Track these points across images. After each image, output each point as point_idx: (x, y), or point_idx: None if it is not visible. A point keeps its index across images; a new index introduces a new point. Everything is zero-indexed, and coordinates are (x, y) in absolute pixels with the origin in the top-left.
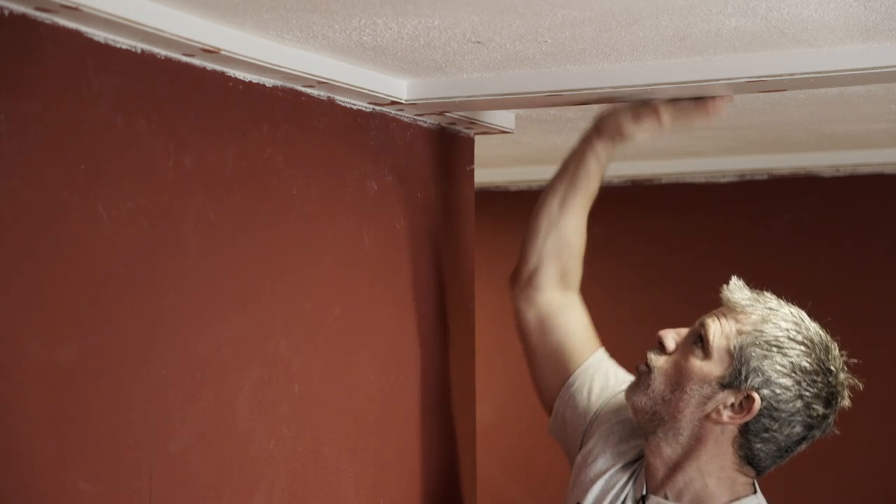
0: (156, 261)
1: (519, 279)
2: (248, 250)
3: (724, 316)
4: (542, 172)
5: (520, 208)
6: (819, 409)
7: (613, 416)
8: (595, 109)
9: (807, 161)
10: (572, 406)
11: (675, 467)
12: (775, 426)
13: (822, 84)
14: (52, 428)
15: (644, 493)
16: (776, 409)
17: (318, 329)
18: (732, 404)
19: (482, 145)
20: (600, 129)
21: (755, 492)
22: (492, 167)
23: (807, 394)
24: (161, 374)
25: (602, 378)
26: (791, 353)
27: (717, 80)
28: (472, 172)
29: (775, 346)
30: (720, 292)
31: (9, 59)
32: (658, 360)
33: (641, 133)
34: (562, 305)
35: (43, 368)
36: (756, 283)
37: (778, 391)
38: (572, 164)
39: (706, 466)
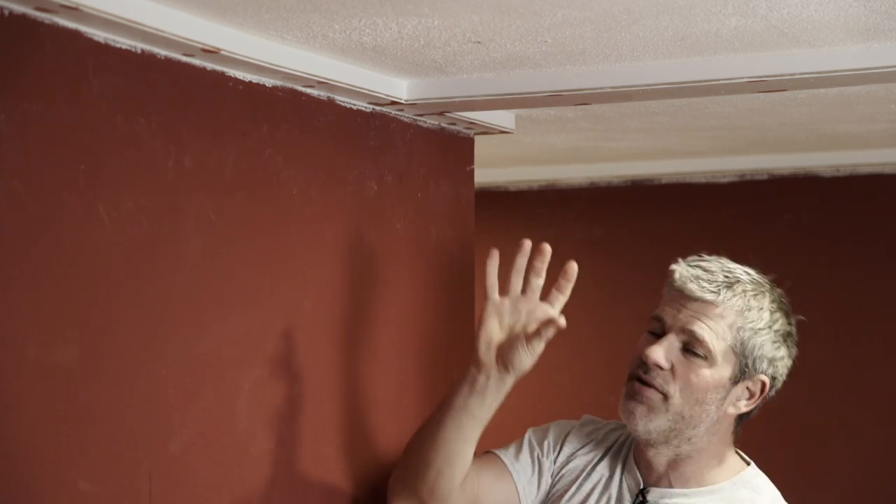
0: (156, 261)
1: (419, 494)
2: (248, 250)
3: (704, 315)
4: (542, 172)
5: (520, 208)
6: (795, 353)
7: (572, 439)
8: (597, 110)
9: (807, 161)
10: (532, 485)
11: (684, 459)
12: (774, 392)
13: (822, 84)
14: (51, 428)
15: (642, 486)
16: (777, 378)
17: (318, 329)
18: (745, 392)
19: (482, 145)
20: (507, 364)
21: (749, 463)
22: (492, 167)
23: (793, 350)
24: (161, 374)
25: (526, 459)
26: (777, 325)
27: (717, 80)
28: (472, 172)
29: (765, 327)
30: (679, 287)
31: (9, 59)
32: (668, 384)
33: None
34: (471, 487)
35: (43, 368)
36: None
37: (779, 365)
38: (486, 418)
39: (710, 450)
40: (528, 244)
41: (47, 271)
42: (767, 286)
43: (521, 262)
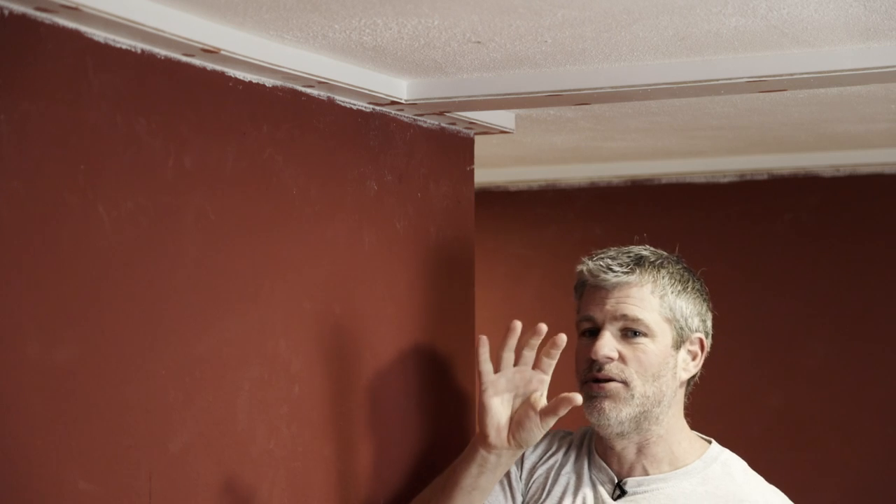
0: (156, 261)
1: None
2: (247, 250)
3: (627, 296)
4: (542, 172)
5: (520, 208)
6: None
7: (526, 464)
8: (597, 110)
9: (807, 161)
10: None
11: (654, 440)
12: (709, 342)
13: (822, 84)
14: (51, 428)
15: (616, 480)
16: (709, 333)
17: (318, 329)
18: (689, 356)
19: (482, 145)
20: (510, 441)
21: (709, 441)
22: (492, 167)
23: (710, 305)
24: (161, 374)
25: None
26: (690, 284)
27: (717, 80)
28: (472, 172)
29: (683, 288)
30: (595, 283)
31: (9, 59)
32: (624, 371)
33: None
34: None
35: (42, 368)
36: (756, 282)
37: (706, 319)
38: (476, 486)
39: (674, 424)
40: (518, 326)
41: (47, 271)
42: (666, 254)
43: (512, 342)
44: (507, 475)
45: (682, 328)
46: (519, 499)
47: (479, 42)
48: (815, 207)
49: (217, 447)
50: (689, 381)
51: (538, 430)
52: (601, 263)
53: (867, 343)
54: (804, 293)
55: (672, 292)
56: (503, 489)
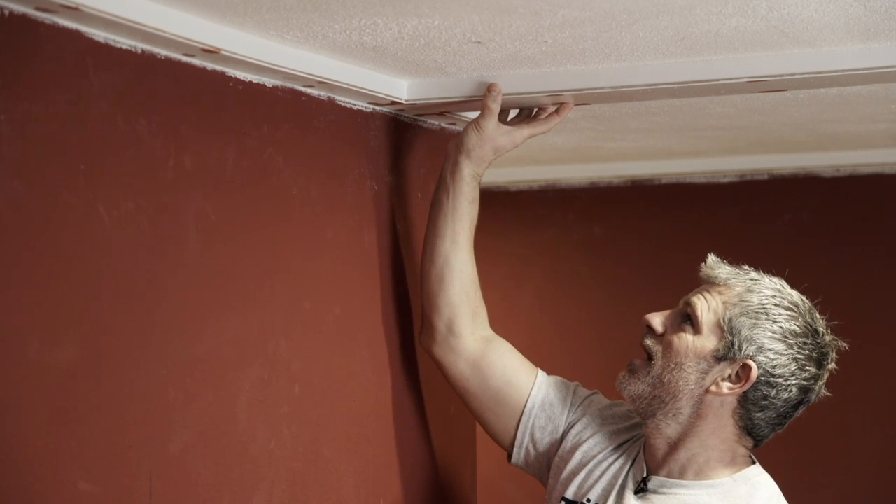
0: (156, 261)
1: (435, 335)
2: (248, 250)
3: (708, 292)
4: (542, 172)
5: (520, 208)
6: (812, 369)
7: (597, 413)
8: (597, 110)
9: (807, 161)
10: (539, 427)
11: (677, 444)
12: (773, 392)
13: (822, 84)
14: (51, 428)
15: (645, 474)
16: (772, 375)
17: (318, 329)
18: (730, 375)
19: None
20: (469, 153)
21: (754, 462)
22: (492, 167)
23: (800, 356)
24: (161, 374)
25: (558, 391)
26: (779, 318)
27: (717, 80)
28: None
29: (762, 313)
30: (699, 270)
31: (9, 59)
32: (655, 345)
33: (522, 140)
34: (486, 343)
35: (42, 368)
36: None
37: (772, 356)
38: (450, 198)
39: (708, 440)
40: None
41: (47, 271)
42: (791, 300)
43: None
44: (570, 401)
45: (731, 344)
46: (560, 423)
47: (479, 42)
48: (815, 207)
49: (217, 447)
50: (742, 413)
51: (473, 130)
52: (721, 264)
53: (867, 343)
54: (804, 293)
55: (742, 312)
56: (563, 399)
